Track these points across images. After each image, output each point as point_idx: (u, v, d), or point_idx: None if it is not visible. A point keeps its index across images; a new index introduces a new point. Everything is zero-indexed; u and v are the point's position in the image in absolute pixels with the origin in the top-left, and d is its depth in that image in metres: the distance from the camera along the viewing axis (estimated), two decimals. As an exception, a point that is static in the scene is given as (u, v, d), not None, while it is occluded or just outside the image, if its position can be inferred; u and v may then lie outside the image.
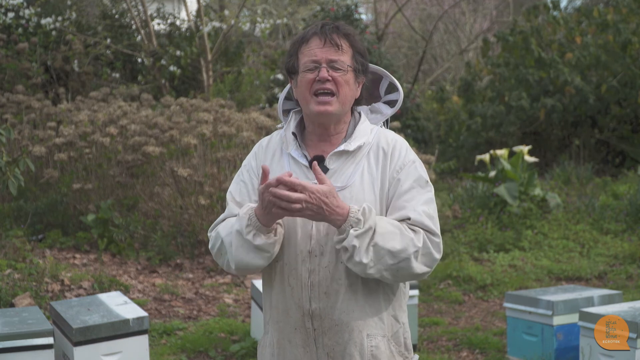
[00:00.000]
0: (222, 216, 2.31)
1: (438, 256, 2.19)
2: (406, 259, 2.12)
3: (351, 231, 2.09)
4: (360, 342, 2.20)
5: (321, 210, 2.08)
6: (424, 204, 2.21)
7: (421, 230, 2.17)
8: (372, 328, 2.22)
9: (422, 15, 18.04)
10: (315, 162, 2.13)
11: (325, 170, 2.22)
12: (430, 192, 2.25)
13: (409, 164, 2.25)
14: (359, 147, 2.25)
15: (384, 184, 2.23)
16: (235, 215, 2.25)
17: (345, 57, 2.23)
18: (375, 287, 2.22)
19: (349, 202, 2.17)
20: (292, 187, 2.06)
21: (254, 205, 2.18)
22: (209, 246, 2.29)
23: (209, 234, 2.32)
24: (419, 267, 2.15)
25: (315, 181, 2.16)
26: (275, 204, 2.06)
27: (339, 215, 2.10)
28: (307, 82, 2.22)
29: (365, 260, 2.10)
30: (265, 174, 2.10)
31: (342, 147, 2.24)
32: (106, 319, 4.24)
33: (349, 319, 2.19)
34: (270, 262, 2.22)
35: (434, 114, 14.43)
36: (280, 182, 2.05)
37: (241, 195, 2.30)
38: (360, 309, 2.20)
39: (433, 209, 2.22)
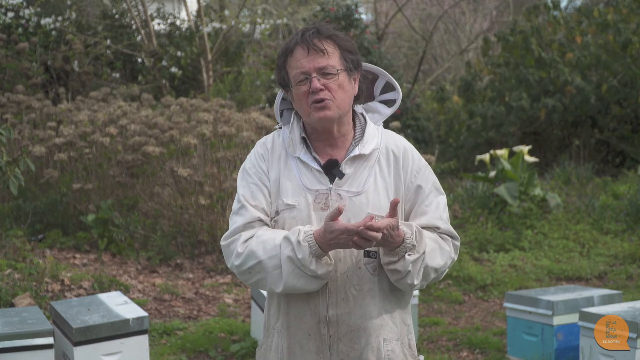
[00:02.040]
0: (241, 221, 2.21)
1: (456, 257, 2.30)
2: (444, 271, 2.24)
3: (407, 257, 2.12)
4: (377, 347, 2.20)
5: (384, 241, 2.11)
6: (444, 210, 2.27)
7: (449, 239, 2.26)
8: (388, 332, 2.22)
9: (422, 15, 18.05)
10: (395, 201, 2.09)
11: (342, 175, 2.21)
12: (444, 194, 2.30)
13: (424, 168, 2.29)
14: (373, 150, 2.25)
15: (397, 189, 2.24)
16: (258, 219, 2.20)
17: (333, 61, 2.18)
18: (390, 291, 2.23)
19: (366, 207, 2.18)
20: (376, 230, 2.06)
21: (307, 229, 2.13)
22: (236, 262, 2.18)
23: (226, 242, 2.22)
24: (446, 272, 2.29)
25: (328, 186, 2.20)
26: (359, 243, 2.07)
27: (396, 242, 2.11)
28: (303, 95, 2.19)
29: (416, 282, 2.17)
30: (340, 211, 2.07)
31: (357, 151, 2.22)
32: (106, 319, 4.23)
33: (366, 324, 2.19)
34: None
35: (434, 114, 14.43)
36: (368, 229, 2.04)
37: (255, 198, 2.23)
38: (377, 313, 2.20)
39: (448, 213, 2.31)
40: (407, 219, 2.25)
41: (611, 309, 4.38)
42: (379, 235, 2.04)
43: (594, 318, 4.24)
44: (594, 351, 4.26)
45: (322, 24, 2.24)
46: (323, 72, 2.17)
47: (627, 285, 6.80)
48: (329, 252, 2.14)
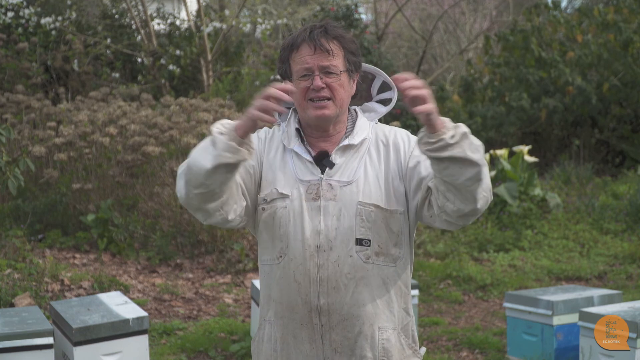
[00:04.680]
0: None
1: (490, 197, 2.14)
2: (485, 165, 2.06)
3: (451, 135, 2.01)
4: (372, 335, 2.21)
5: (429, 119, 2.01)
6: None
7: None
8: (384, 321, 2.22)
9: (422, 15, 18.04)
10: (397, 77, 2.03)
11: (332, 165, 2.23)
12: None
13: (414, 143, 2.26)
14: (363, 141, 2.27)
15: (387, 176, 2.24)
16: None
17: (337, 61, 2.22)
18: (385, 280, 2.22)
19: (357, 196, 2.19)
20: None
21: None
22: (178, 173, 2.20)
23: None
24: (481, 194, 2.08)
25: (319, 176, 2.21)
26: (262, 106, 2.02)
27: (438, 125, 2.02)
28: (302, 91, 2.21)
29: (477, 157, 2.02)
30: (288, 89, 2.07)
31: (346, 142, 2.25)
32: (106, 319, 4.24)
33: (359, 313, 2.19)
34: (274, 256, 2.22)
35: (434, 113, 14.40)
36: (401, 79, 1.98)
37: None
38: (371, 301, 2.20)
39: None
40: (412, 197, 2.21)
41: (611, 309, 4.38)
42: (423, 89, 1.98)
43: (594, 318, 4.24)
44: (594, 351, 4.26)
45: (329, 22, 2.26)
46: (326, 71, 2.21)
47: (627, 285, 6.80)
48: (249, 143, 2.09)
